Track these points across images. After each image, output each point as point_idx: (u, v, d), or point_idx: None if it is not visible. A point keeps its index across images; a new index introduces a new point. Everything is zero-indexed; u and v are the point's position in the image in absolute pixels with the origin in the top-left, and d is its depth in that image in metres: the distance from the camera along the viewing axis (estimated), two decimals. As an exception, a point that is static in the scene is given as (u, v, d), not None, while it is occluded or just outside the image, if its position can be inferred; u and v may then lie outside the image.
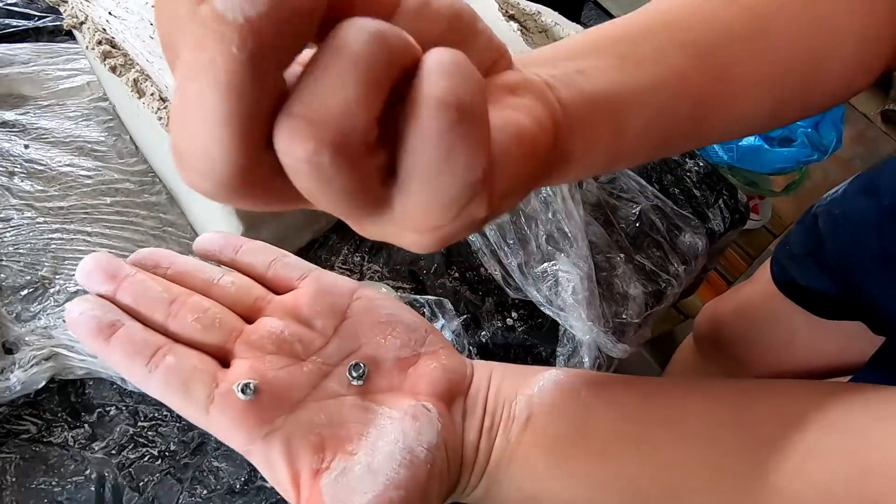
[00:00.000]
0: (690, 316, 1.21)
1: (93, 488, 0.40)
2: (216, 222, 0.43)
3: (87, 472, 0.40)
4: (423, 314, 0.46)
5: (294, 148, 0.12)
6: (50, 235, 0.45)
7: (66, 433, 0.41)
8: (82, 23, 0.43)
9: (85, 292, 0.25)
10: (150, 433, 0.42)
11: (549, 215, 0.57)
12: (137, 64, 0.41)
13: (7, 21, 0.55)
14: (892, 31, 0.26)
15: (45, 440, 0.40)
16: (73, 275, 0.44)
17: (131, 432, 0.42)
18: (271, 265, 0.27)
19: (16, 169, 0.46)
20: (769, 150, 0.96)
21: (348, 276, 0.43)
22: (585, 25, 0.59)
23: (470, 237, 0.55)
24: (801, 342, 0.68)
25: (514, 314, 0.53)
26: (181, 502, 0.40)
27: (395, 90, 0.14)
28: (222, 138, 0.12)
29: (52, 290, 0.44)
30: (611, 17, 1.48)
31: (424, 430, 0.23)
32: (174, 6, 0.13)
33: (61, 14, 0.44)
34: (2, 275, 0.43)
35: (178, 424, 0.42)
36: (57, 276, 0.44)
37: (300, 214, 0.47)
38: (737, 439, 0.24)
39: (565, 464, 0.25)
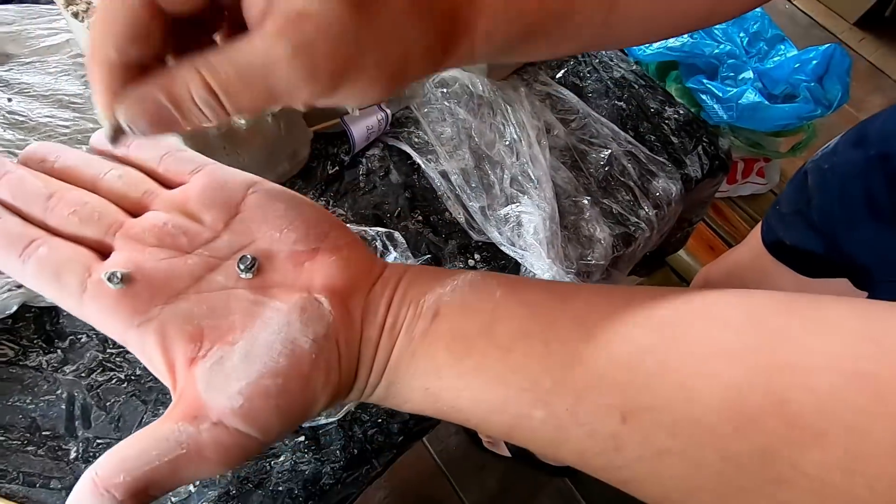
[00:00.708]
0: (690, 281, 1.19)
1: (63, 406, 0.43)
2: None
3: (59, 391, 0.43)
4: (374, 247, 0.47)
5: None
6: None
7: (40, 357, 0.44)
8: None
9: None
10: (118, 359, 0.45)
11: (514, 159, 0.58)
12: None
13: (-2, -13, 0.58)
14: None
15: (21, 363, 0.44)
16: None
17: (100, 358, 0.45)
18: (163, 159, 0.26)
19: (-1, 120, 0.50)
20: (770, 107, 0.92)
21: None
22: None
23: (435, 182, 0.56)
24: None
25: (476, 256, 0.54)
26: (145, 421, 0.43)
27: None
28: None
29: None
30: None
31: (312, 321, 0.23)
32: None
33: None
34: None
35: (144, 352, 0.45)
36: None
37: (259, 156, 0.49)
38: (647, 337, 0.22)
39: (468, 357, 0.23)
